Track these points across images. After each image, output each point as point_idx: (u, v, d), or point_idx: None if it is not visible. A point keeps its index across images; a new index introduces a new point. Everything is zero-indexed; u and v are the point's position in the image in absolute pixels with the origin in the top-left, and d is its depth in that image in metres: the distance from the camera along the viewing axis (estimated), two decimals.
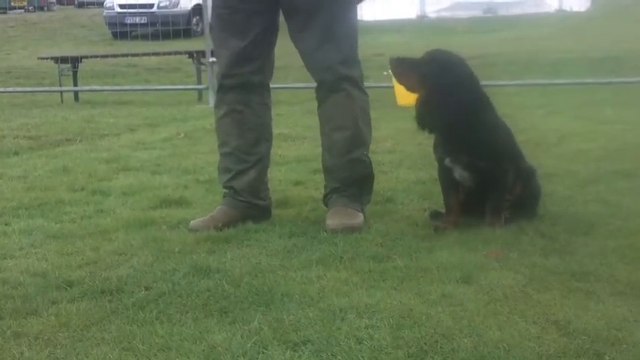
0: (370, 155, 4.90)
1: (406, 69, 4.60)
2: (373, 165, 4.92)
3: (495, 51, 14.09)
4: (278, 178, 5.80)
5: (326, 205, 4.85)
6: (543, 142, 6.62)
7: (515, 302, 3.42)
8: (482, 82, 4.59)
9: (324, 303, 3.43)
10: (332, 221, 4.56)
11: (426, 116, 4.52)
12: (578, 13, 24.55)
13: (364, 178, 4.82)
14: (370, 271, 3.83)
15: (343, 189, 4.75)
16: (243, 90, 4.79)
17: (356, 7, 4.80)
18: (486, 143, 4.45)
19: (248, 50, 4.74)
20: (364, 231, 4.47)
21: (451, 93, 4.37)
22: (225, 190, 4.87)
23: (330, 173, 4.83)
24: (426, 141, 5.56)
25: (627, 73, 10.48)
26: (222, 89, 4.85)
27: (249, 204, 4.80)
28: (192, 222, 4.69)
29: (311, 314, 3.31)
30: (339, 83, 4.69)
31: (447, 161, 4.52)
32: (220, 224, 4.62)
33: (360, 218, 4.64)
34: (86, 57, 12.15)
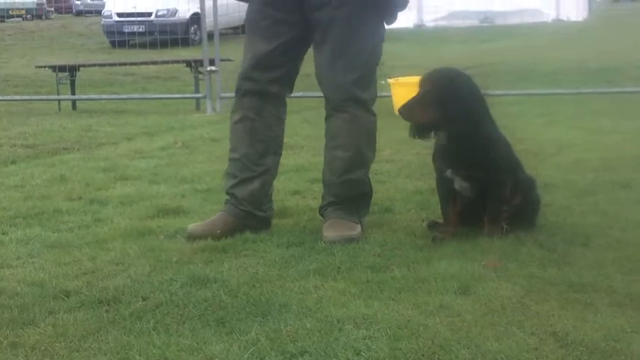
0: (369, 173, 4.90)
1: (415, 109, 4.54)
2: (371, 178, 4.93)
3: (492, 60, 14.10)
4: (276, 188, 5.74)
5: (322, 216, 4.85)
6: (541, 152, 6.62)
7: (513, 313, 3.41)
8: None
9: (322, 313, 3.43)
10: (329, 233, 4.55)
11: (426, 131, 4.54)
12: (575, 23, 24.60)
13: (361, 195, 4.82)
14: (368, 282, 3.82)
15: (339, 202, 4.76)
16: (259, 98, 4.76)
17: (378, 26, 4.72)
18: (487, 155, 4.45)
19: (271, 56, 4.71)
20: (361, 242, 4.46)
21: (456, 112, 4.37)
22: (227, 196, 4.87)
23: (328, 188, 4.84)
24: (425, 150, 5.57)
25: (624, 83, 10.49)
26: (239, 92, 4.82)
27: (249, 214, 4.78)
28: (190, 226, 4.69)
29: (308, 325, 3.31)
30: (345, 104, 4.67)
31: (449, 172, 4.52)
32: (219, 231, 4.62)
33: (357, 229, 4.63)
34: (84, 65, 12.15)
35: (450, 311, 3.44)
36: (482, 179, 4.46)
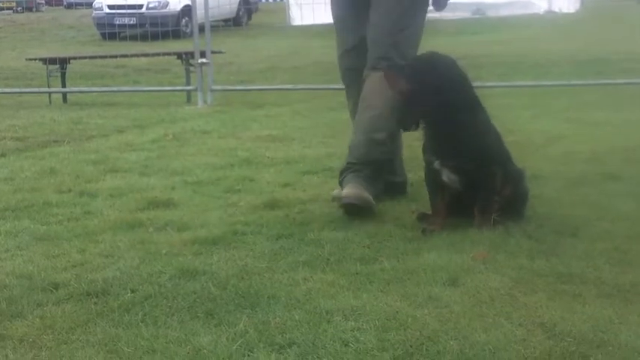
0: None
1: (395, 73, 4.58)
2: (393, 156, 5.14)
3: (483, 52, 14.08)
4: (266, 180, 5.80)
5: (341, 184, 4.95)
6: (531, 144, 6.63)
7: (501, 304, 3.42)
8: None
9: (310, 305, 3.43)
10: (347, 191, 4.71)
11: (408, 115, 4.53)
12: (567, 15, 24.60)
13: (380, 162, 4.96)
14: (357, 274, 3.82)
15: (359, 168, 4.88)
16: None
17: (424, 8, 5.06)
18: (475, 146, 4.45)
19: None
20: (350, 233, 4.46)
21: (434, 92, 4.36)
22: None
23: (351, 149, 4.97)
24: (415, 143, 5.56)
25: (615, 75, 10.50)
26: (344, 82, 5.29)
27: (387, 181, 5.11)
28: (337, 192, 4.81)
29: (297, 316, 3.31)
30: (379, 62, 4.85)
31: (436, 164, 4.52)
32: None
33: (370, 198, 4.73)
34: (74, 58, 12.09)
35: (439, 303, 3.44)
36: (471, 171, 4.46)
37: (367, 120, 4.90)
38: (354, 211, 4.71)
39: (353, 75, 5.17)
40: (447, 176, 4.50)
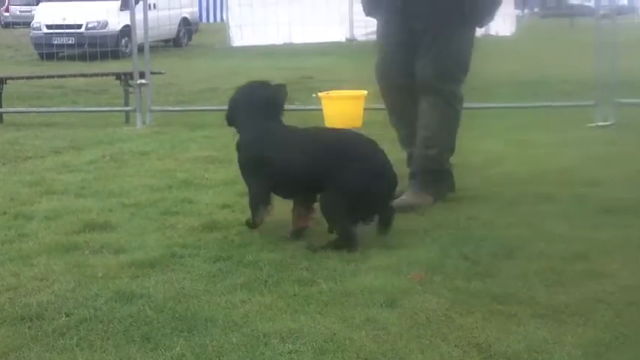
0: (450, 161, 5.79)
1: None
2: (449, 167, 5.81)
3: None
4: (204, 202, 5.78)
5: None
6: (470, 166, 6.68)
7: (437, 326, 3.45)
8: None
9: (248, 328, 3.43)
10: (403, 200, 5.40)
11: None
12: (504, 38, 24.91)
13: (435, 172, 5.70)
14: (295, 295, 3.83)
15: (417, 174, 5.71)
16: None
17: (468, 33, 5.72)
18: None
19: None
20: (289, 255, 4.46)
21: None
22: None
23: (413, 160, 5.81)
24: None
25: (551, 97, 10.63)
26: None
27: None
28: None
29: (234, 339, 3.31)
30: (427, 91, 5.65)
31: None
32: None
33: (423, 198, 5.53)
34: (11, 78, 11.93)
35: (376, 324, 3.47)
36: None
37: (421, 138, 5.73)
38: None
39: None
40: None
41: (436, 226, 4.97)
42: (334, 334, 3.36)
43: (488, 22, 5.91)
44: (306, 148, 4.80)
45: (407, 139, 5.92)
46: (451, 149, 5.85)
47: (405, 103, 5.84)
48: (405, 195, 5.53)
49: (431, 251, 4.44)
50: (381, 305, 3.68)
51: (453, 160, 5.91)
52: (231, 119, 5.12)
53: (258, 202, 4.91)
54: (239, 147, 5.03)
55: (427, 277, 4.04)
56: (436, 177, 5.71)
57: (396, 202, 5.10)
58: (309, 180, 4.72)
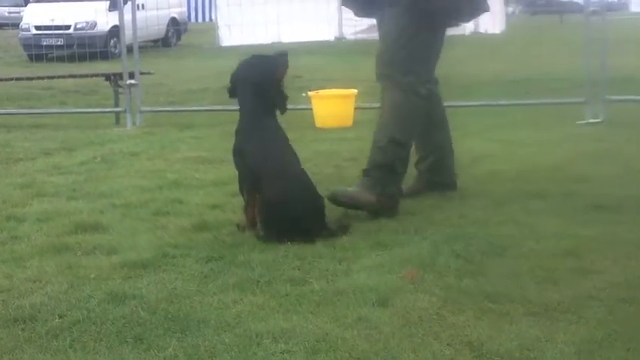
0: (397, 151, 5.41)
1: None
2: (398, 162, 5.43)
3: None
4: (195, 202, 5.78)
5: None
6: (458, 164, 6.68)
7: (429, 324, 3.46)
8: None
9: (241, 328, 3.44)
10: (343, 191, 5.27)
11: None
12: (493, 35, 24.95)
13: (381, 167, 5.37)
14: (287, 295, 3.84)
15: (369, 169, 5.41)
16: None
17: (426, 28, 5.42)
18: None
19: None
20: (280, 254, 4.47)
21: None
22: None
23: (370, 153, 5.50)
24: (344, 163, 5.60)
25: (540, 95, 10.66)
26: None
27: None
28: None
29: (227, 340, 3.32)
30: (380, 78, 5.53)
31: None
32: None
33: (365, 197, 5.22)
34: (0, 79, 11.95)
35: (368, 324, 3.48)
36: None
37: (376, 130, 5.50)
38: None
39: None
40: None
41: (427, 225, 4.98)
42: (326, 333, 3.36)
43: (462, 22, 5.90)
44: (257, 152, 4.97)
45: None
46: (402, 146, 5.46)
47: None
48: (351, 187, 5.39)
49: (422, 249, 4.46)
50: (373, 304, 3.69)
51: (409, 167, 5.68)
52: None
53: (241, 188, 5.04)
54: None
55: (419, 275, 4.05)
56: (385, 175, 5.38)
57: (337, 189, 5.23)
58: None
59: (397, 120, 5.44)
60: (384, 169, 5.39)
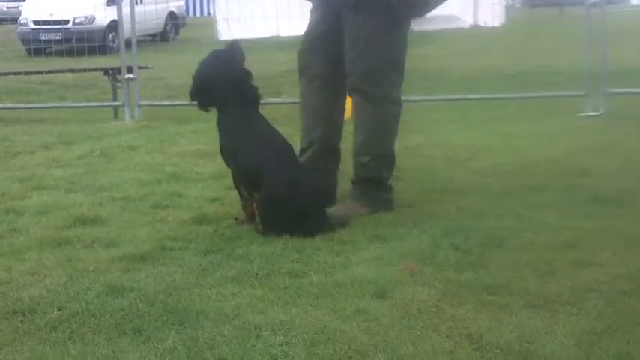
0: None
1: None
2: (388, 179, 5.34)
3: (407, 67, 13.95)
4: (194, 195, 5.77)
5: None
6: (457, 157, 6.70)
7: (429, 317, 3.45)
8: None
9: (239, 320, 3.44)
10: (335, 210, 5.10)
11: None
12: (492, 29, 24.89)
13: (368, 180, 5.28)
14: (286, 288, 3.84)
15: (356, 182, 5.33)
16: None
17: (400, 27, 5.24)
18: None
19: None
20: (279, 247, 4.47)
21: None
22: None
23: (353, 166, 5.38)
24: (343, 157, 5.59)
25: (538, 88, 10.64)
26: None
27: None
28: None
29: (226, 332, 3.31)
30: (352, 92, 5.33)
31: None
32: None
33: (356, 210, 5.14)
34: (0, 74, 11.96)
35: (367, 316, 3.47)
36: None
37: (355, 144, 5.33)
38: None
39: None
40: None
41: (426, 218, 4.97)
42: (325, 325, 3.36)
43: (427, 12, 5.40)
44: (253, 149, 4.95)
45: (308, 135, 5.49)
46: (387, 156, 5.36)
47: (322, 101, 5.44)
48: (340, 206, 5.26)
49: (422, 242, 4.45)
50: (372, 296, 3.68)
51: (396, 172, 5.58)
52: (199, 95, 5.10)
53: (236, 184, 5.08)
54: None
55: (418, 268, 4.05)
56: (374, 185, 5.30)
57: (329, 212, 4.97)
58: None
59: (375, 135, 5.30)
60: (372, 181, 5.30)
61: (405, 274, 3.97)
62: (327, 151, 5.47)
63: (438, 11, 5.59)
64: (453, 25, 24.40)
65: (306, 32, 5.48)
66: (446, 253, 4.28)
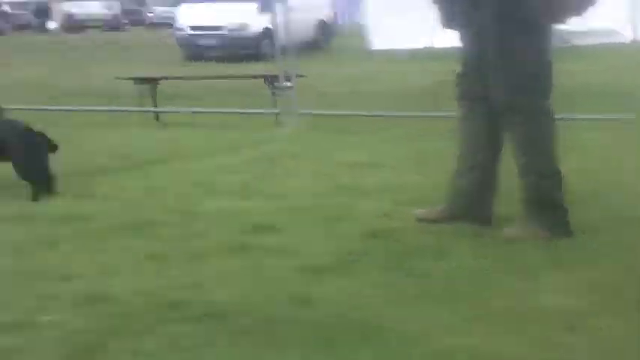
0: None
1: None
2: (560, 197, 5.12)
3: (568, 82, 13.55)
4: (364, 209, 5.78)
5: None
6: (630, 182, 6.44)
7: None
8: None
9: (428, 344, 3.49)
10: (510, 230, 5.07)
11: None
12: None
13: (535, 202, 5.11)
14: (469, 311, 3.86)
15: (525, 205, 5.16)
16: None
17: (534, 37, 5.09)
18: None
19: None
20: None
21: None
22: None
23: (521, 187, 5.19)
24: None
25: None
26: None
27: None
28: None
29: (416, 353, 3.37)
30: (505, 110, 5.14)
31: None
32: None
33: (528, 232, 5.00)
34: (166, 78, 12.24)
35: (559, 347, 3.46)
36: None
37: (517, 166, 5.17)
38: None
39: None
40: None
41: (609, 246, 4.79)
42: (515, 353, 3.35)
43: (567, 17, 5.18)
44: None
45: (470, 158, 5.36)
46: (551, 173, 5.16)
47: (484, 126, 5.29)
48: (516, 228, 5.12)
49: (609, 273, 4.33)
50: (562, 328, 3.63)
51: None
52: None
53: None
54: None
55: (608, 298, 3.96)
56: (544, 207, 5.11)
57: (505, 231, 5.06)
58: None
59: (537, 151, 5.15)
60: (544, 203, 5.13)
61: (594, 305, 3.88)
62: (486, 176, 5.36)
63: (597, 25, 5.39)
64: (613, 40, 23.84)
65: (461, 56, 5.41)
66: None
